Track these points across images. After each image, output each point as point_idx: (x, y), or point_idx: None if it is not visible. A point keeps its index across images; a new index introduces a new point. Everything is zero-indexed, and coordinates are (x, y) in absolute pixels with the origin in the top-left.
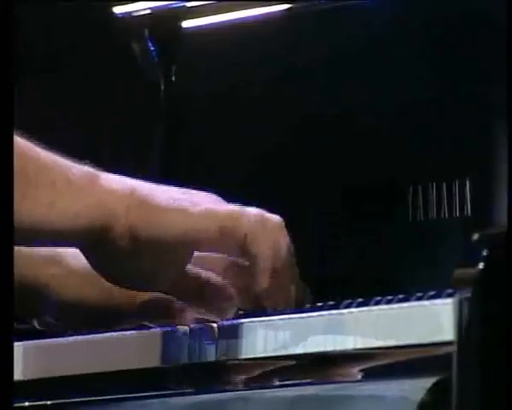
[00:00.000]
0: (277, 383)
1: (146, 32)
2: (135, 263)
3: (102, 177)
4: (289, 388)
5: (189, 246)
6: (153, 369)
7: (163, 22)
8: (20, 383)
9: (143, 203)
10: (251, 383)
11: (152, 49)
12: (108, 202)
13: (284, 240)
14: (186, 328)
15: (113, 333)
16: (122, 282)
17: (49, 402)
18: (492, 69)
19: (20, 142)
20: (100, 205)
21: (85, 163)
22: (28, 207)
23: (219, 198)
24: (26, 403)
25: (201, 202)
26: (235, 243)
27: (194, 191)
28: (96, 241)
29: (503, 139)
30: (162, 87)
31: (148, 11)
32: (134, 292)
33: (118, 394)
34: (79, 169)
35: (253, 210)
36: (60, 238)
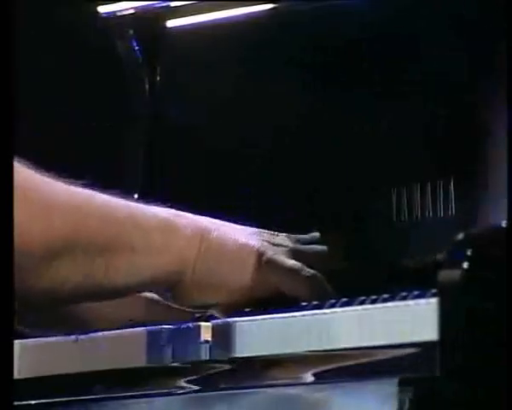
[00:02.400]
0: (263, 382)
1: (130, 31)
2: (202, 297)
3: (175, 222)
4: (274, 388)
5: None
6: (148, 368)
7: (147, 22)
8: (18, 381)
9: (211, 249)
10: (239, 383)
11: (136, 48)
12: (182, 251)
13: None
14: (180, 327)
15: (105, 332)
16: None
17: (45, 401)
18: (478, 69)
19: (99, 205)
20: (175, 258)
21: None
22: (108, 274)
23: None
24: (25, 402)
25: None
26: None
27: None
28: (170, 286)
29: (487, 139)
30: (147, 87)
31: (133, 11)
32: None
33: (114, 393)
34: (154, 218)
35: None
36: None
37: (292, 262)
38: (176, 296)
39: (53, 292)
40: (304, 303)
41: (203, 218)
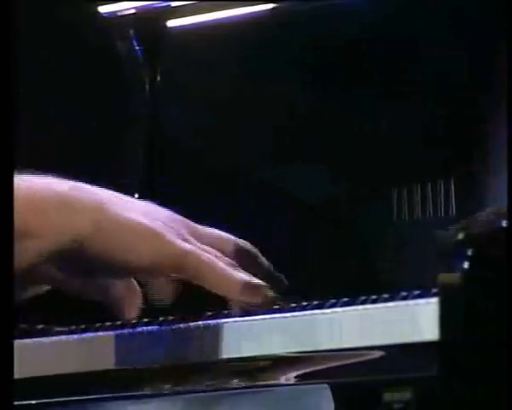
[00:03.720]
0: (259, 383)
1: (131, 31)
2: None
3: (71, 195)
4: (269, 388)
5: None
6: (149, 368)
7: (147, 22)
8: (18, 381)
9: (107, 223)
10: (233, 384)
11: (137, 48)
12: (76, 222)
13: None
14: (167, 328)
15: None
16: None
17: (45, 401)
18: (478, 69)
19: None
20: (69, 228)
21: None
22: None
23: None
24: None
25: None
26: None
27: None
28: (70, 261)
29: (487, 139)
30: (147, 87)
31: (133, 11)
32: None
33: (113, 393)
34: (54, 196)
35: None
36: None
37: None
38: (73, 270)
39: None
40: (304, 303)
41: (102, 190)
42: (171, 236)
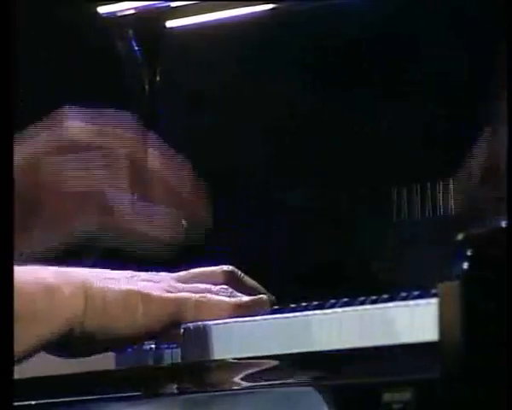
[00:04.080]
0: (259, 384)
1: (130, 31)
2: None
3: (56, 284)
4: (270, 389)
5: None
6: (149, 368)
7: (147, 22)
8: (18, 381)
9: (97, 300)
10: (233, 385)
11: (136, 49)
12: (67, 312)
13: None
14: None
15: None
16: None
17: (45, 401)
18: (478, 69)
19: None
20: (61, 320)
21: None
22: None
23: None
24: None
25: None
26: None
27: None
28: (64, 345)
29: (487, 138)
30: (146, 87)
31: (133, 11)
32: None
33: (113, 393)
34: (37, 285)
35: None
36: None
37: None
38: (68, 352)
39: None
40: (304, 303)
41: (82, 270)
42: (158, 292)
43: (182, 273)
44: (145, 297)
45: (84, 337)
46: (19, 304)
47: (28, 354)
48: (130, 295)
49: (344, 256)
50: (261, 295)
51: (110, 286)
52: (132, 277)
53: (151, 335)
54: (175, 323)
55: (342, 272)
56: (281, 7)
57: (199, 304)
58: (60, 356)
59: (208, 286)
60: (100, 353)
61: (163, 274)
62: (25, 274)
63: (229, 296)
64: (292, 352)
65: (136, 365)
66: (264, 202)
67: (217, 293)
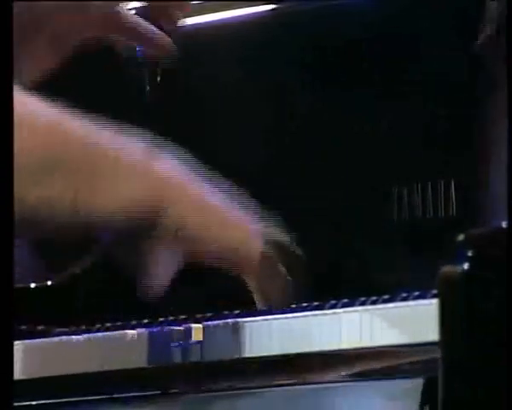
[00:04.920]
0: (259, 384)
1: None
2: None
3: (156, 163)
4: (270, 389)
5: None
6: (149, 368)
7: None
8: (20, 382)
9: (192, 199)
10: (236, 384)
11: (137, 49)
12: (159, 190)
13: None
14: (172, 328)
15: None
16: None
17: (45, 402)
18: (478, 69)
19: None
20: (151, 194)
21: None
22: (95, 201)
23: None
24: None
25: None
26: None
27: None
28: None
29: (487, 139)
30: (148, 88)
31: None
32: None
33: (113, 393)
34: (132, 153)
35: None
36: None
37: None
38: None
39: (35, 212)
40: (305, 304)
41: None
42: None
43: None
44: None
45: (170, 225)
46: (109, 162)
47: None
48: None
49: (344, 256)
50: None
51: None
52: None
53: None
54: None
55: (342, 272)
56: (282, 7)
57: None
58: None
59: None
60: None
61: None
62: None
63: None
64: (291, 352)
65: (164, 361)
66: (262, 203)
67: None
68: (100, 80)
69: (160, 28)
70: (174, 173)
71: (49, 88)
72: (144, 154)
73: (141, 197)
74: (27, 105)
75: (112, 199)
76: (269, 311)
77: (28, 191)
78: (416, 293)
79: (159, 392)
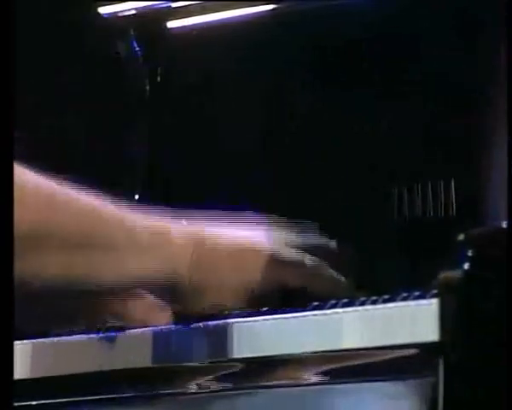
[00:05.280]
0: (262, 383)
1: (131, 32)
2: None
3: (167, 227)
4: (270, 389)
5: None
6: (149, 369)
7: (148, 22)
8: (20, 382)
9: (205, 256)
10: (237, 384)
11: (137, 49)
12: (173, 256)
13: None
14: (171, 327)
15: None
16: None
17: (45, 402)
18: (478, 69)
19: (75, 201)
20: (165, 261)
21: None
22: (89, 270)
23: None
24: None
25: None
26: None
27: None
28: (166, 290)
29: (488, 140)
30: (147, 87)
31: (134, 11)
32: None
33: (114, 393)
34: (142, 220)
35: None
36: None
37: (297, 255)
38: (175, 302)
39: (23, 283)
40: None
41: (198, 224)
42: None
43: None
44: (257, 251)
45: (190, 290)
46: (120, 233)
47: (122, 289)
48: (241, 249)
49: (343, 256)
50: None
51: (224, 241)
52: (254, 233)
53: (259, 297)
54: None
55: (343, 272)
56: (282, 7)
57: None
58: (170, 307)
59: None
60: (208, 313)
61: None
62: (132, 215)
63: None
64: (291, 352)
65: (172, 361)
66: (263, 202)
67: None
68: (100, 80)
69: None
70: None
71: (49, 88)
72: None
73: (157, 270)
74: (22, 176)
75: (128, 272)
76: (268, 311)
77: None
78: (416, 293)
79: (159, 392)
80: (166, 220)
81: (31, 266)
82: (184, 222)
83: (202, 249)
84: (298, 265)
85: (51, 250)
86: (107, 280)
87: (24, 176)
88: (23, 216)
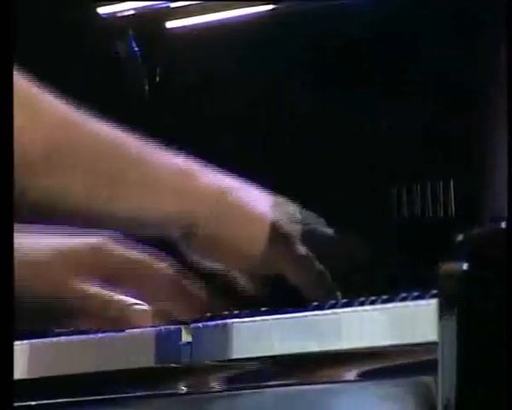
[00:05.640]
0: (259, 384)
1: (130, 32)
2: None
3: (193, 177)
4: (270, 389)
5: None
6: (148, 369)
7: (147, 23)
8: (20, 382)
9: (228, 212)
10: (237, 384)
11: (136, 49)
12: (196, 203)
13: None
14: (160, 328)
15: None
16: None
17: (45, 402)
18: (478, 69)
19: (107, 133)
20: (188, 206)
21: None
22: (117, 206)
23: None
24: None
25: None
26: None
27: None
28: (181, 233)
29: (488, 140)
30: (146, 88)
31: (133, 12)
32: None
33: (112, 394)
34: (171, 166)
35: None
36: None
37: (304, 251)
38: (187, 246)
39: (49, 202)
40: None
41: (226, 178)
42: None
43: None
44: (275, 231)
45: (202, 238)
46: (148, 170)
47: (146, 223)
48: (260, 221)
49: (343, 256)
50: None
51: (247, 203)
52: (273, 204)
53: (260, 272)
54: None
55: (342, 272)
56: (281, 7)
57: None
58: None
59: None
60: (212, 262)
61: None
62: (163, 156)
63: None
64: (291, 352)
65: (172, 361)
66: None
67: None
68: (99, 80)
69: None
70: (206, 188)
71: (49, 88)
72: (179, 169)
73: (170, 213)
74: (31, 89)
75: (136, 208)
76: (269, 311)
77: (32, 182)
78: (416, 293)
79: (159, 392)
80: (194, 165)
81: (56, 184)
82: (212, 172)
83: (225, 203)
84: (301, 259)
85: (77, 177)
86: (126, 215)
87: (39, 96)
88: (37, 134)
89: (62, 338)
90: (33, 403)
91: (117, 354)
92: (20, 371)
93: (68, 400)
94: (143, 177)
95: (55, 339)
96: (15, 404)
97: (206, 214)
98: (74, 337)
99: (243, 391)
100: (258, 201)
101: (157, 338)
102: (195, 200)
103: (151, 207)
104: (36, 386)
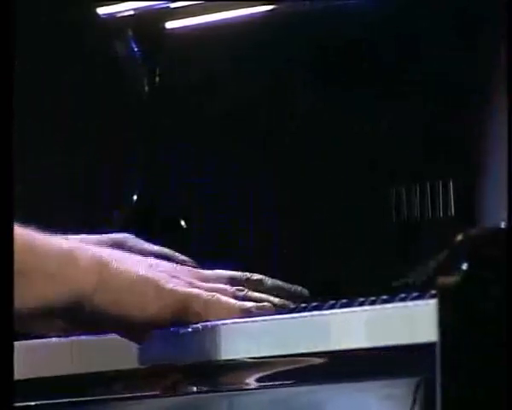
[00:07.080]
0: (259, 384)
1: (130, 32)
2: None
3: (74, 253)
4: (270, 389)
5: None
6: (148, 369)
7: (147, 23)
8: (20, 382)
9: (110, 280)
10: (233, 385)
11: (136, 50)
12: (78, 282)
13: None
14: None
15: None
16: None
17: (45, 402)
18: (478, 69)
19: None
20: (72, 288)
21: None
22: (23, 297)
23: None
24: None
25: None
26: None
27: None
28: (71, 314)
29: (488, 140)
30: (146, 88)
31: (132, 12)
32: None
33: (113, 394)
34: (54, 249)
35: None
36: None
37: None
38: (76, 324)
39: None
40: (303, 305)
41: (104, 250)
42: (172, 284)
43: (203, 271)
44: (157, 287)
45: (93, 314)
46: (30, 258)
47: (30, 314)
48: (142, 282)
49: (343, 256)
50: (264, 303)
51: (126, 269)
52: (152, 265)
53: (159, 325)
54: (183, 318)
55: (340, 272)
56: (282, 7)
57: (207, 303)
58: (67, 329)
59: (223, 286)
60: (107, 332)
61: (185, 269)
62: (41, 239)
63: (243, 298)
64: (290, 353)
65: (160, 361)
66: (263, 203)
67: (232, 294)
68: (98, 80)
69: None
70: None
71: (48, 88)
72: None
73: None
74: None
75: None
76: (268, 312)
77: None
78: (415, 293)
79: (155, 393)
80: (73, 245)
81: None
82: (89, 247)
83: (106, 274)
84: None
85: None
86: (31, 306)
87: None
88: None
89: (62, 339)
90: (33, 403)
91: (115, 355)
92: (20, 371)
93: (68, 400)
94: (34, 269)
95: (53, 339)
96: (15, 404)
97: (91, 289)
98: (74, 338)
99: (241, 392)
100: (138, 264)
101: (155, 339)
102: (77, 277)
103: (36, 296)
104: (36, 386)
